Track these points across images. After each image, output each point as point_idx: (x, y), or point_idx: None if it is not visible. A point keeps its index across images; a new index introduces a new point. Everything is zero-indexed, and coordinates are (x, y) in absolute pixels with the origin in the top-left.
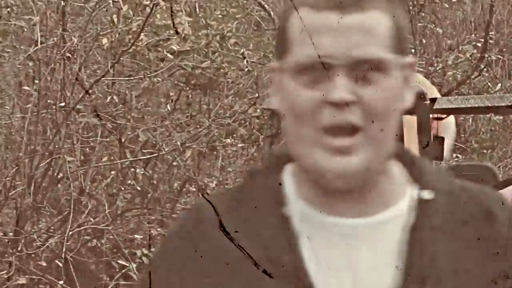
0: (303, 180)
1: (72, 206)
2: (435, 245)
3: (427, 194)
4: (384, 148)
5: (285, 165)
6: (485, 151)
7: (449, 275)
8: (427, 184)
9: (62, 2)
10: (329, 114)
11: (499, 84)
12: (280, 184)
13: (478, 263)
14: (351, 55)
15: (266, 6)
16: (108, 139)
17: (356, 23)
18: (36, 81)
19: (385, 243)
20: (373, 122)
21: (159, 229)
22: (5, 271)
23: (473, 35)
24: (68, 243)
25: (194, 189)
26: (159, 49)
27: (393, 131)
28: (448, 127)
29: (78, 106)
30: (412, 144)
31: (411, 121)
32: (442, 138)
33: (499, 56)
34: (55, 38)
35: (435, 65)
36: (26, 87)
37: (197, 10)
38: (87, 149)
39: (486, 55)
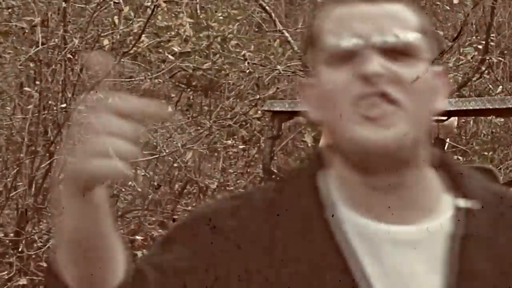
0: (346, 182)
1: None
2: (480, 256)
3: (469, 203)
4: (419, 127)
5: (325, 167)
6: (486, 153)
7: (493, 286)
8: (468, 192)
9: (64, 3)
10: (365, 87)
11: (500, 87)
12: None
13: None
14: (383, 37)
15: (267, 7)
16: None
17: (386, 11)
18: (37, 82)
19: (427, 252)
20: (407, 96)
21: (160, 231)
22: (6, 272)
23: (474, 37)
24: None
25: (195, 191)
26: (160, 50)
27: (427, 116)
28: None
29: (79, 107)
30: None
31: None
32: (443, 140)
33: (500, 59)
34: (56, 39)
35: None
36: (27, 88)
37: (198, 11)
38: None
39: (487, 58)
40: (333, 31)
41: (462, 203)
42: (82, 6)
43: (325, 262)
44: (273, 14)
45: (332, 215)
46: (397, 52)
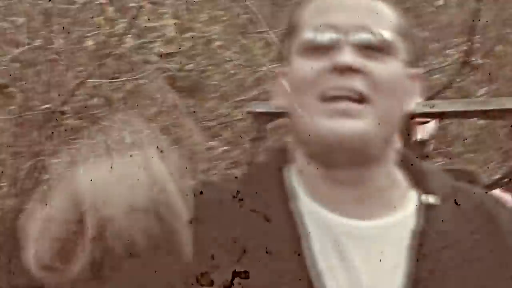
0: (309, 176)
1: None
2: (441, 252)
3: (431, 199)
4: (388, 125)
5: (289, 160)
6: (469, 155)
7: (454, 281)
8: (430, 188)
9: (49, 3)
10: (335, 80)
11: (485, 88)
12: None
13: (483, 269)
14: (359, 33)
15: (253, 9)
16: (96, 140)
17: (365, 5)
18: (22, 83)
19: (390, 247)
20: (378, 94)
21: None
22: None
23: (458, 39)
24: None
25: None
26: (144, 51)
27: (397, 115)
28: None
29: (63, 108)
30: None
31: None
32: (425, 142)
33: (485, 60)
34: (41, 40)
35: None
36: (11, 89)
37: (183, 12)
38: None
39: (472, 59)
40: (310, 23)
41: (425, 198)
42: (67, 6)
43: (284, 254)
44: (259, 15)
45: (295, 207)
46: (373, 49)
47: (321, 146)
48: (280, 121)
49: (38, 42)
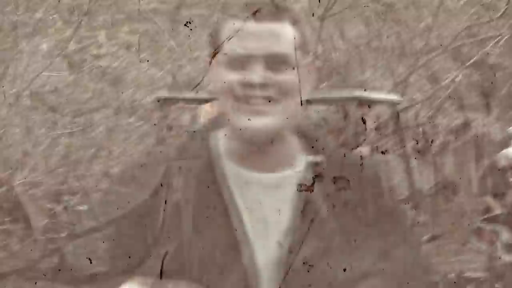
0: (230, 143)
1: (19, 164)
2: (321, 195)
3: (316, 158)
4: (292, 115)
5: (218, 129)
6: None
7: (333, 214)
8: (316, 150)
9: (16, 17)
10: (250, 89)
11: (324, 83)
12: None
13: (357, 205)
14: (266, 50)
15: (159, 24)
16: (46, 116)
17: (269, 30)
18: None
19: (285, 191)
20: (283, 96)
21: (78, 183)
22: None
23: None
24: (15, 191)
25: (104, 154)
26: (82, 53)
27: (297, 106)
28: None
29: (24, 93)
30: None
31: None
32: None
33: (325, 64)
34: (9, 43)
35: None
36: None
37: (110, 26)
38: (30, 124)
39: (316, 64)
40: (229, 42)
41: (313, 158)
42: (28, 19)
43: (217, 202)
44: (162, 28)
45: (220, 166)
46: (276, 61)
47: (242, 134)
48: (180, 105)
49: (7, 45)
